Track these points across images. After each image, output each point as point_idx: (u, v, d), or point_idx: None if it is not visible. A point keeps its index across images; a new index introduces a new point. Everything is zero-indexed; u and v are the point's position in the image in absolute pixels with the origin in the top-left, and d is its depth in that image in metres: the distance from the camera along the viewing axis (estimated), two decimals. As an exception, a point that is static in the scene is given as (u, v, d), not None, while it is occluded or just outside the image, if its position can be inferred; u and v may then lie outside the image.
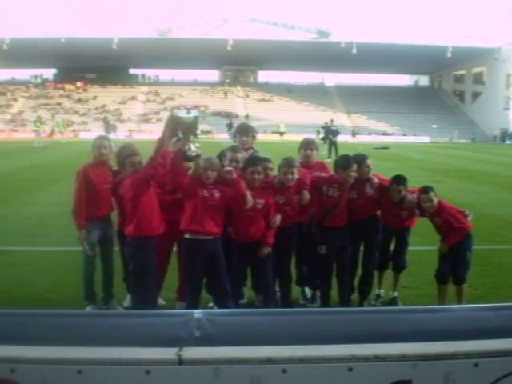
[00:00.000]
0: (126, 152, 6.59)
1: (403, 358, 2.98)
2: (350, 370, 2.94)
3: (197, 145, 6.14)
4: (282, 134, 60.02)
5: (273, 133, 70.68)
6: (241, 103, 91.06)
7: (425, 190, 6.90)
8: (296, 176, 6.51)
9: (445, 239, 6.84)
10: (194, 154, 5.90)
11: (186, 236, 6.09)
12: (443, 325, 3.36)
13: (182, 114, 6.17)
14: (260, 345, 3.02)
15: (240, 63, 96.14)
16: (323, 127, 39.87)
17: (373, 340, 3.06)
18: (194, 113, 6.13)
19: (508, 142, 75.91)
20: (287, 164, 6.59)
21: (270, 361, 2.91)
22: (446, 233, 6.87)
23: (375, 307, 3.70)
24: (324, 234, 6.67)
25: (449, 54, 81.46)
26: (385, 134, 77.25)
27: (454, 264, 7.06)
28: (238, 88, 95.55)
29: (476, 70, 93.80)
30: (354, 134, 57.43)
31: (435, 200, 6.82)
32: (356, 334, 3.14)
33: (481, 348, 3.14)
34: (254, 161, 6.44)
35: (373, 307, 3.75)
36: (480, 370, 3.12)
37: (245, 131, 7.64)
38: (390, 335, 3.14)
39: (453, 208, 6.98)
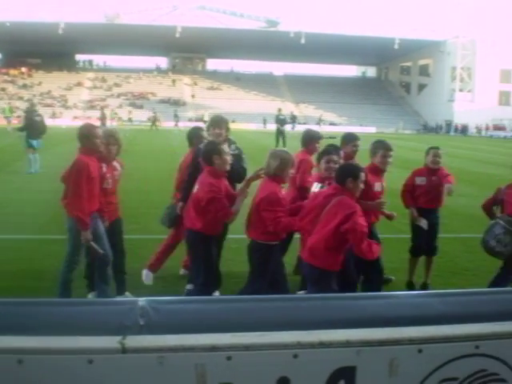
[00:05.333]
0: (111, 140, 6.92)
1: (348, 344, 2.99)
2: (295, 356, 2.93)
3: None
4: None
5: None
6: (189, 91, 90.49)
7: (436, 147, 8.24)
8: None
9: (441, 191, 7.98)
10: None
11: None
12: (388, 311, 3.37)
13: None
14: (205, 332, 2.98)
15: (188, 51, 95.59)
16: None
17: (318, 327, 3.06)
18: None
19: (452, 133, 77.56)
20: (385, 147, 7.36)
21: (214, 348, 2.88)
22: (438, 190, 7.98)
23: (321, 294, 3.71)
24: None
25: (396, 46, 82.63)
26: (332, 123, 77.97)
27: (430, 237, 7.96)
28: (187, 76, 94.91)
29: (422, 62, 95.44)
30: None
31: None
32: (301, 321, 3.13)
33: (425, 334, 3.16)
34: (330, 150, 6.98)
35: (316, 294, 3.76)
36: (424, 356, 3.15)
37: (218, 124, 7.55)
38: (336, 322, 3.15)
39: None
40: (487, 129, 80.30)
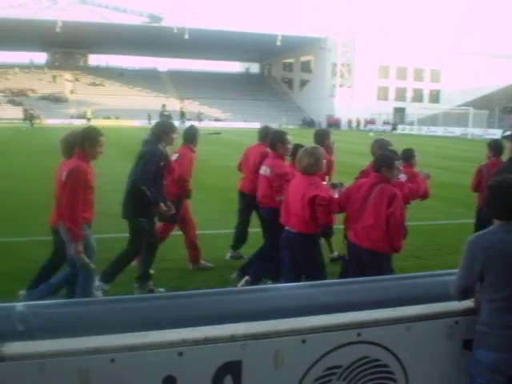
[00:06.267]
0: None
1: (233, 338, 3.00)
2: (181, 354, 2.91)
3: None
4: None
5: (104, 118, 69.27)
6: (70, 87, 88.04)
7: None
8: None
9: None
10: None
11: None
12: (271, 303, 3.41)
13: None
14: (87, 335, 2.90)
15: (70, 46, 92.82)
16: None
17: (203, 323, 3.05)
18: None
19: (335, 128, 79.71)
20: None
21: (97, 351, 2.81)
22: None
23: (204, 290, 3.69)
24: None
25: (278, 43, 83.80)
26: (217, 119, 78.22)
27: None
28: (68, 71, 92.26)
29: (304, 58, 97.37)
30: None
31: None
32: (186, 318, 3.11)
33: (308, 324, 3.22)
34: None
35: (202, 290, 3.74)
36: (308, 346, 3.21)
37: None
38: (220, 317, 3.15)
39: None
40: (358, 123, 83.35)
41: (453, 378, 3.69)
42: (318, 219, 6.54)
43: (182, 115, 53.24)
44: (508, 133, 7.87)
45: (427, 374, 3.67)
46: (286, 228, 6.78)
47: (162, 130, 7.75)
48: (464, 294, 3.67)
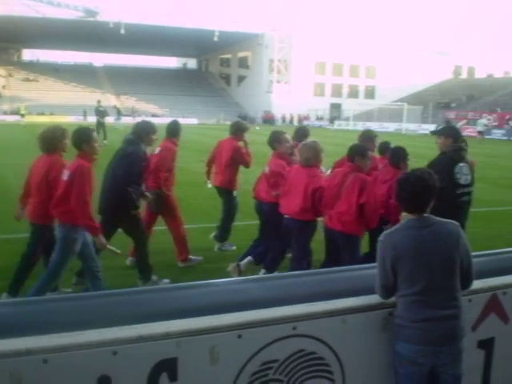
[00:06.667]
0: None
1: (168, 336, 2.97)
2: (115, 353, 2.87)
3: None
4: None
5: (38, 114, 67.89)
6: (3, 83, 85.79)
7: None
8: None
9: None
10: None
11: None
12: (207, 299, 3.40)
13: None
14: (19, 336, 2.83)
15: (2, 40, 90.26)
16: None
17: (137, 321, 3.02)
18: None
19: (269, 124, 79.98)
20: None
21: (29, 352, 2.74)
22: None
23: (137, 288, 3.64)
24: None
25: (215, 38, 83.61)
26: (154, 115, 77.53)
27: None
28: (0, 67, 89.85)
29: (241, 54, 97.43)
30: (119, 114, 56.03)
31: None
32: (119, 316, 3.07)
33: (243, 319, 3.23)
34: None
35: (135, 288, 3.67)
36: (244, 341, 3.22)
37: None
38: (155, 314, 3.12)
39: None
40: (291, 119, 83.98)
41: (387, 368, 3.75)
42: (317, 208, 7.08)
43: (117, 111, 52.47)
44: (438, 128, 8.07)
45: (362, 365, 3.73)
46: (286, 216, 7.32)
47: (142, 130, 7.86)
48: (386, 293, 3.72)
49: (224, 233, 9.75)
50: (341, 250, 6.89)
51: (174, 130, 8.95)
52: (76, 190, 6.17)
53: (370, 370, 3.77)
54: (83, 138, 6.40)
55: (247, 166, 9.52)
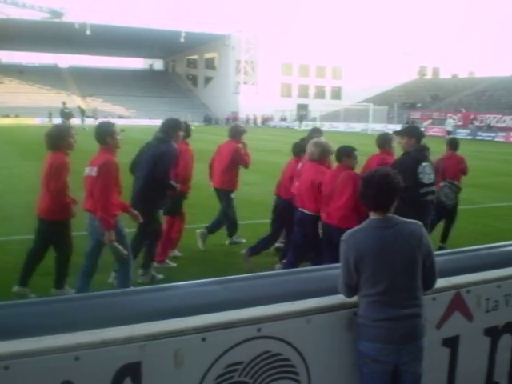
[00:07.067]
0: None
1: (130, 340, 2.94)
2: (77, 358, 2.83)
3: None
4: None
5: (3, 116, 67.03)
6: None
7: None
8: None
9: None
10: None
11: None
12: (171, 302, 3.37)
13: None
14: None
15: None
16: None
17: (100, 325, 2.98)
18: None
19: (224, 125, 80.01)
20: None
21: (-11, 359, 2.69)
22: None
23: (100, 292, 3.59)
24: None
25: (182, 39, 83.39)
26: (121, 117, 77.01)
27: None
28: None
29: (208, 55, 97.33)
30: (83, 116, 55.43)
31: None
32: (81, 321, 3.02)
33: (207, 322, 3.21)
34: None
35: (98, 292, 3.63)
36: (208, 344, 3.20)
37: None
38: (118, 318, 3.08)
39: None
40: (255, 120, 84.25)
41: (353, 368, 3.77)
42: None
43: (82, 113, 52.11)
44: (402, 128, 8.53)
45: (328, 365, 3.73)
46: (300, 209, 7.72)
47: (171, 127, 8.14)
48: (349, 292, 3.74)
49: (231, 227, 10.29)
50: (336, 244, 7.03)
51: (186, 131, 9.01)
52: (101, 183, 6.37)
53: (336, 370, 3.78)
54: (107, 132, 6.60)
55: (246, 166, 10.02)
